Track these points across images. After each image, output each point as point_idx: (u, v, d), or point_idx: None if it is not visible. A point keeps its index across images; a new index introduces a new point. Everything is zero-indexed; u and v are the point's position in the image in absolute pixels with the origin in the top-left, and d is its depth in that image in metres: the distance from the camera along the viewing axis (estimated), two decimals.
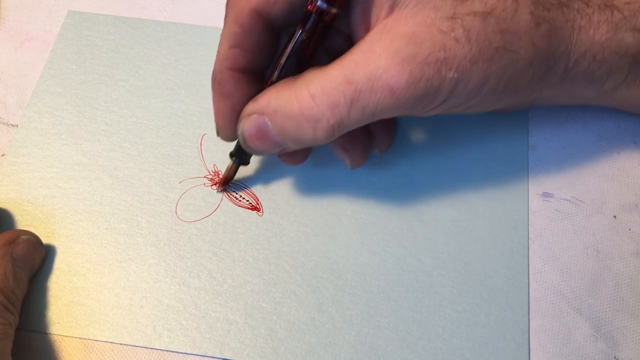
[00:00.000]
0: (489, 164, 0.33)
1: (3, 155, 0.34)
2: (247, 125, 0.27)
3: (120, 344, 0.30)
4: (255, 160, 0.33)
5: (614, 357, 0.29)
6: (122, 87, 0.36)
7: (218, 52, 0.28)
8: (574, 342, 0.29)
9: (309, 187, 0.33)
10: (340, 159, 0.31)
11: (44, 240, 0.31)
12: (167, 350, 0.29)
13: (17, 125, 0.35)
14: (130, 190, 0.33)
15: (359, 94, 0.25)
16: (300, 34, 0.26)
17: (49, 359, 0.29)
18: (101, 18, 0.38)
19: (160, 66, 0.37)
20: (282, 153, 0.30)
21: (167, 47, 0.37)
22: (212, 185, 0.33)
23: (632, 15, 0.27)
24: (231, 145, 0.31)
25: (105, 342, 0.30)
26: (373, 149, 0.32)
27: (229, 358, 0.29)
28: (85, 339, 0.30)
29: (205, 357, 0.29)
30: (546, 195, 0.32)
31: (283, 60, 0.27)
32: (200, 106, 0.35)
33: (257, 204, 0.33)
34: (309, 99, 0.25)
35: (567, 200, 0.32)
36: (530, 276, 0.31)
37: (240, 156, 0.31)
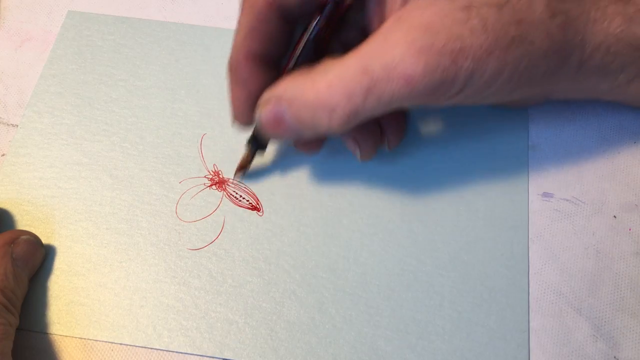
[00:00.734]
0: (489, 164, 0.33)
1: (3, 155, 0.34)
2: (264, 112, 0.28)
3: (120, 344, 0.30)
4: (255, 161, 0.33)
5: (614, 357, 0.29)
6: (122, 87, 0.36)
7: (234, 40, 0.28)
8: (574, 342, 0.29)
9: (309, 187, 0.33)
10: (352, 150, 0.31)
11: (44, 240, 0.31)
12: (167, 351, 0.29)
13: (17, 125, 0.35)
14: (130, 190, 0.33)
15: (375, 83, 0.25)
16: (317, 23, 0.27)
17: (49, 359, 0.29)
18: (101, 18, 0.38)
19: (160, 66, 0.37)
20: (298, 142, 0.30)
21: (167, 47, 0.37)
22: (211, 185, 0.33)
23: None
24: (231, 145, 0.31)
25: (105, 342, 0.30)
26: (383, 144, 0.32)
27: (229, 358, 0.29)
28: (85, 339, 0.30)
29: (205, 357, 0.29)
30: (546, 195, 0.32)
31: (299, 49, 0.28)
32: (200, 106, 0.35)
33: (257, 204, 0.33)
34: (325, 88, 0.26)
35: (567, 200, 0.32)
36: (530, 276, 0.31)
37: (257, 143, 0.31)
